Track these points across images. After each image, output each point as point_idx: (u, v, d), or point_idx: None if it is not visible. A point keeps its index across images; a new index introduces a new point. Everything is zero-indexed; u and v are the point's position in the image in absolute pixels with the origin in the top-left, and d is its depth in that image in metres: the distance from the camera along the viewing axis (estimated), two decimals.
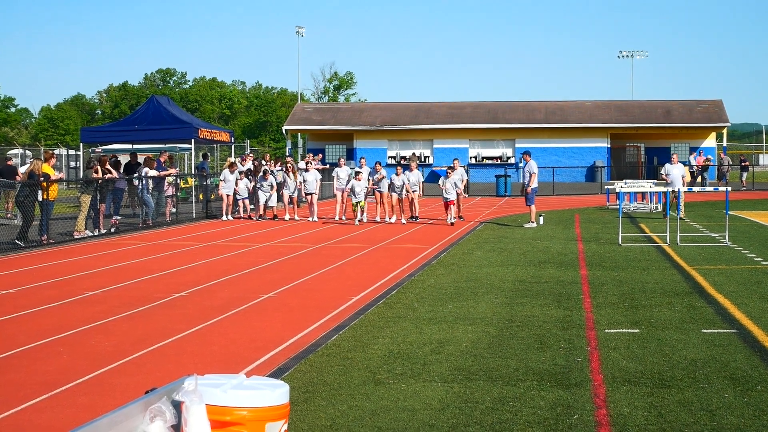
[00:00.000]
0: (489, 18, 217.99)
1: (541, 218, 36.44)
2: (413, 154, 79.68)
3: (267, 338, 14.44)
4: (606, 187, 53.70)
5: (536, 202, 36.07)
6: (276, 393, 5.60)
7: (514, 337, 14.15)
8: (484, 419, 9.89)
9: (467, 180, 46.62)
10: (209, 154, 54.13)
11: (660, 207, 42.98)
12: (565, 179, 75.33)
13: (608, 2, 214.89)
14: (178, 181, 42.37)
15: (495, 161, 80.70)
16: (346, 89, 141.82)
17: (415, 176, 38.97)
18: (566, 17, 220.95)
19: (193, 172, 45.70)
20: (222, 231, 34.13)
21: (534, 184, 34.95)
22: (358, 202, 38.04)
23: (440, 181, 38.77)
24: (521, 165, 38.53)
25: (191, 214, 40.58)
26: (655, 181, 57.36)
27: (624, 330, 14.68)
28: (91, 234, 31.48)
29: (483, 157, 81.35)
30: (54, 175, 31.23)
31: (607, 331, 14.61)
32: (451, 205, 37.09)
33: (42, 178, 29.58)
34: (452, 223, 36.43)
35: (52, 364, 12.86)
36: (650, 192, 43.20)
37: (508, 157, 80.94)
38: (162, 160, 39.80)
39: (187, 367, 12.11)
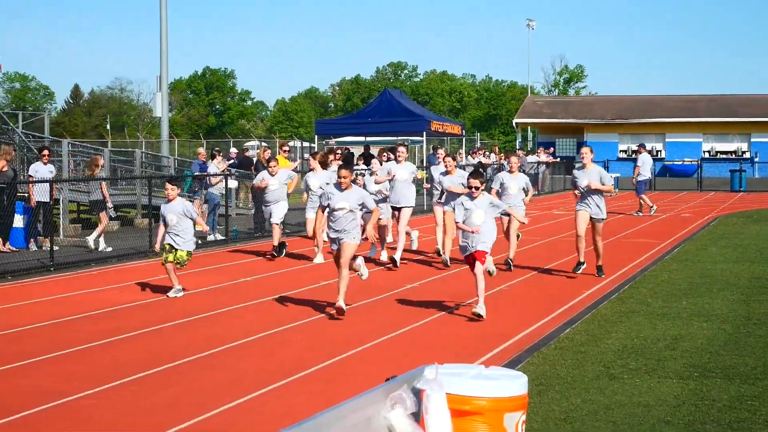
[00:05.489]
0: (722, 7, 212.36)
1: None
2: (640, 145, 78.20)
3: (499, 330, 14.47)
4: None
5: None
6: (515, 384, 5.63)
7: (752, 335, 13.82)
8: (721, 417, 9.70)
9: (531, 194, 21.94)
10: (439, 146, 54.35)
11: None
12: None
13: None
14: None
15: (729, 155, 78.63)
16: (576, 82, 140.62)
17: (407, 170, 22.60)
18: None
19: (423, 164, 45.94)
20: None
21: (640, 177, 37.25)
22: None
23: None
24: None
25: (422, 206, 40.83)
26: None
27: None
28: None
29: (717, 152, 79.43)
30: (290, 167, 31.95)
31: None
32: (479, 262, 15.13)
33: None
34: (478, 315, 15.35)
35: (288, 353, 13.18)
36: None
37: (743, 152, 78.69)
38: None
39: (417, 358, 12.17)
